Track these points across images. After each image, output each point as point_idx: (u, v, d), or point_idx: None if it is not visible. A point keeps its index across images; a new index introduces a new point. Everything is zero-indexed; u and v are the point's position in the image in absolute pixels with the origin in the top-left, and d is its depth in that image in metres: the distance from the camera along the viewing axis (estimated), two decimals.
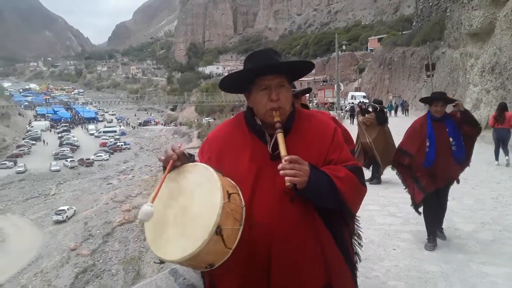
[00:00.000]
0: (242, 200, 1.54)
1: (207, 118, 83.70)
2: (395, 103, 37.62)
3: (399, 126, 14.06)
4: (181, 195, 1.54)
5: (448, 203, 5.21)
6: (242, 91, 1.82)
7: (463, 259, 4.57)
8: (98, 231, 36.84)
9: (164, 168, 1.60)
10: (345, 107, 37.11)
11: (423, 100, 5.15)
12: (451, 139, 4.74)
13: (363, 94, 44.93)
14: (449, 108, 4.86)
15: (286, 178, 1.51)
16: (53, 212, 41.82)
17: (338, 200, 1.62)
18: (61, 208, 42.39)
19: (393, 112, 34.26)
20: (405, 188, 5.17)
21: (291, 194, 1.60)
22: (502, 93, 17.43)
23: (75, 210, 42.62)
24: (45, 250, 34.57)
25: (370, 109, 9.52)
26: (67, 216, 40.80)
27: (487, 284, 3.96)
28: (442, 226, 5.20)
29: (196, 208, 1.48)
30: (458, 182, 5.02)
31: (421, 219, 6.11)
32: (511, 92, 16.45)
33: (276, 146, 1.65)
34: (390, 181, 8.85)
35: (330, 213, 1.68)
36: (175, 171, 1.60)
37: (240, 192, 1.56)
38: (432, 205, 4.86)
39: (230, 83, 1.84)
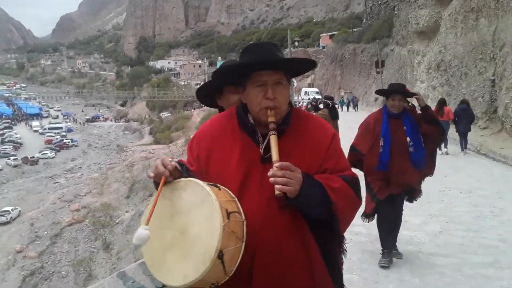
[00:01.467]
0: (242, 213, 1.46)
1: (164, 113, 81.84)
2: (346, 98, 38.72)
3: (350, 121, 14.52)
4: (177, 215, 1.45)
5: None
6: (235, 86, 1.72)
7: (412, 250, 4.75)
8: (46, 232, 35.47)
9: (156, 183, 1.50)
10: (299, 103, 37.62)
11: (379, 92, 4.67)
12: (408, 139, 4.18)
13: (316, 90, 45.67)
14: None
15: (276, 186, 1.41)
16: None
17: (329, 212, 1.52)
18: (4, 209, 40.51)
19: (344, 107, 35.60)
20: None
21: (280, 202, 1.49)
22: (447, 89, 18.28)
23: (19, 210, 40.82)
24: None
25: (321, 106, 9.71)
26: (11, 217, 39.09)
27: (435, 275, 4.12)
28: (396, 244, 4.60)
29: (195, 230, 1.40)
30: (417, 194, 4.41)
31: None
32: (456, 88, 17.26)
33: (268, 148, 1.53)
34: None
35: (321, 224, 1.56)
36: (168, 188, 1.49)
37: (238, 204, 1.47)
38: (386, 214, 4.31)
39: (223, 76, 1.75)
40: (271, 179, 1.41)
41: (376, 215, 4.38)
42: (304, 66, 1.70)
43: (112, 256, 29.72)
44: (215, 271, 1.36)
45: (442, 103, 12.19)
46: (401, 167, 4.14)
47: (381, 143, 4.17)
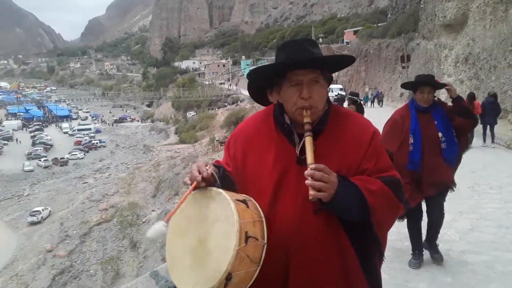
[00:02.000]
0: (265, 236, 1.41)
1: (190, 113, 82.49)
2: (371, 94, 38.25)
3: (376, 117, 14.22)
4: (200, 224, 1.44)
5: None
6: (271, 86, 1.63)
7: (442, 248, 4.53)
8: (75, 231, 36.33)
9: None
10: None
11: (406, 85, 4.26)
12: (440, 135, 3.83)
13: (340, 86, 45.06)
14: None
15: (310, 192, 1.37)
16: (28, 213, 41.07)
17: (366, 215, 1.46)
18: (35, 209, 41.71)
19: (369, 103, 35.19)
20: None
21: (315, 206, 1.44)
22: (475, 83, 17.73)
23: (50, 210, 41.92)
24: (20, 252, 33.92)
25: (346, 103, 9.49)
26: (42, 217, 40.13)
27: (467, 273, 3.95)
28: (437, 243, 4.20)
29: (211, 245, 1.39)
30: (453, 189, 4.04)
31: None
32: (484, 82, 16.74)
33: (304, 149, 1.49)
34: None
35: (357, 228, 1.50)
36: (201, 193, 1.48)
37: (264, 225, 1.42)
38: (415, 217, 4.03)
39: (259, 75, 1.64)
40: (306, 182, 1.38)
41: (407, 219, 4.10)
42: (342, 62, 1.66)
43: (139, 254, 30.18)
44: None
45: (471, 97, 11.85)
46: (434, 165, 3.78)
47: (411, 141, 3.81)
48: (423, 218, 4.11)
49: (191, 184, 1.46)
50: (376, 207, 1.45)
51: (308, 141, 1.46)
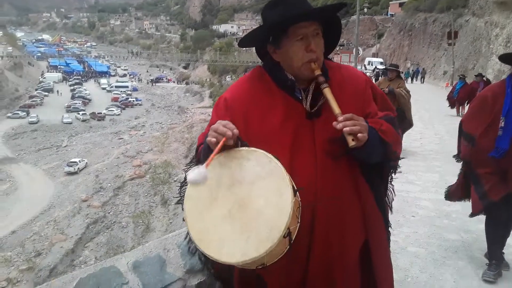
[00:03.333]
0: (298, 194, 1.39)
1: (228, 77, 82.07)
2: (412, 70, 37.18)
3: (416, 93, 13.72)
4: (236, 185, 1.35)
5: None
6: (263, 45, 1.61)
7: (483, 229, 4.49)
8: (109, 184, 37.55)
9: (208, 150, 1.40)
10: (366, 72, 36.66)
11: (504, 57, 3.30)
12: None
13: (381, 60, 43.94)
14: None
15: (350, 138, 1.40)
16: (65, 164, 42.58)
17: (386, 154, 1.56)
18: (73, 160, 43.11)
19: (409, 79, 34.26)
20: (452, 190, 3.78)
21: (336, 153, 1.50)
22: None
23: (86, 162, 43.26)
24: (57, 200, 35.40)
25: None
26: (78, 168, 41.51)
27: (508, 256, 3.85)
28: (504, 251, 3.53)
29: (259, 204, 1.30)
30: None
31: (440, 187, 6.02)
32: None
33: (314, 103, 1.53)
34: (406, 148, 8.82)
35: (372, 170, 1.61)
36: (227, 155, 1.38)
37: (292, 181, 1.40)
38: (500, 216, 3.29)
39: (257, 35, 1.62)
40: (345, 129, 1.40)
41: (486, 216, 3.44)
42: (336, 11, 1.61)
43: (169, 211, 31.09)
44: (276, 250, 1.29)
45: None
46: None
47: (501, 124, 3.13)
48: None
49: (216, 144, 1.35)
50: (391, 143, 1.56)
51: (328, 92, 1.48)
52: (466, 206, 5.05)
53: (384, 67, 28.88)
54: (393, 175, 1.74)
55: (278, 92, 1.57)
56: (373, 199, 1.63)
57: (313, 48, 1.50)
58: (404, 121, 7.92)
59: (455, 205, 5.14)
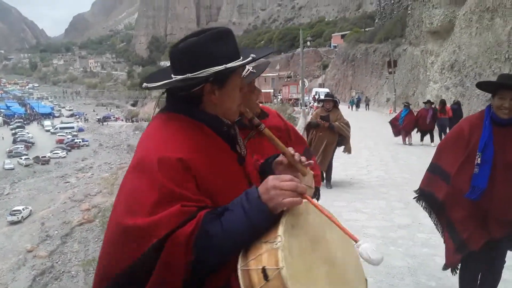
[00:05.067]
0: None
1: None
2: (356, 98, 38.95)
3: (362, 120, 14.09)
4: (316, 244, 1.21)
5: None
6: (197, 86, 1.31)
7: (428, 253, 4.60)
8: (56, 232, 35.77)
9: (269, 215, 1.17)
10: (310, 103, 37.58)
11: (483, 85, 3.02)
12: None
13: (327, 90, 45.35)
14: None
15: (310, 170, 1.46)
16: (8, 213, 40.33)
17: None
18: (16, 208, 40.95)
19: (354, 107, 35.87)
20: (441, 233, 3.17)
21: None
22: (460, 90, 17.94)
23: (31, 210, 41.25)
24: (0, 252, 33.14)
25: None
26: (22, 216, 39.46)
27: (451, 278, 3.82)
28: None
29: (339, 255, 1.25)
30: None
31: (386, 214, 6.10)
32: (470, 89, 16.95)
33: (243, 147, 1.44)
34: (354, 176, 8.98)
35: None
36: (290, 216, 1.19)
37: None
38: (477, 269, 3.00)
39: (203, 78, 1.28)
40: (309, 162, 1.42)
41: (461, 266, 3.03)
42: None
43: None
44: None
45: (443, 103, 14.37)
46: (506, 198, 2.75)
47: (477, 161, 2.77)
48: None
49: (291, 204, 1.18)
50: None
51: (268, 132, 1.42)
52: (411, 230, 5.24)
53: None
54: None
55: (213, 141, 1.35)
56: None
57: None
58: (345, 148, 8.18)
59: (401, 231, 5.29)
